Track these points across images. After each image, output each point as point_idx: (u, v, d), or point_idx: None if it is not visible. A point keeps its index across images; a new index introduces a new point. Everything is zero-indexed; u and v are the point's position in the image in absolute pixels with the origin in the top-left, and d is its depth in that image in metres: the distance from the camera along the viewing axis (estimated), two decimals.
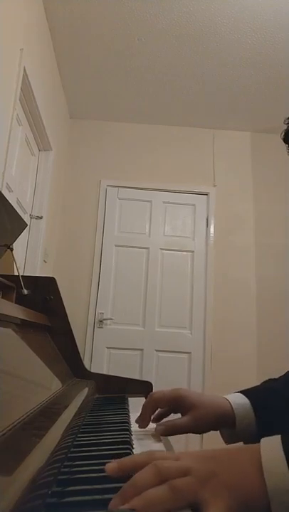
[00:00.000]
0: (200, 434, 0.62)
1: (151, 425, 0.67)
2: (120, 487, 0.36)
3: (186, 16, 2.45)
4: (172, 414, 0.67)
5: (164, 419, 0.67)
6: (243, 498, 0.34)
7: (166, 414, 0.68)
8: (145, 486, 0.35)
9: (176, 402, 0.64)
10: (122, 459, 0.39)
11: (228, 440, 0.66)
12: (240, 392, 0.66)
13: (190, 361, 3.25)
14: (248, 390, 0.67)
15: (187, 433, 0.62)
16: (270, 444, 0.37)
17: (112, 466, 0.38)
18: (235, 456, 0.38)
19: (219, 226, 3.51)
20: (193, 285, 3.40)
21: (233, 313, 3.35)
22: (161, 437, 0.62)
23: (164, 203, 3.55)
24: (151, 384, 1.08)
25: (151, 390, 1.07)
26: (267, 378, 0.75)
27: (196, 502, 0.34)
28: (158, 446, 0.58)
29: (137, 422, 0.67)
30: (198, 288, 3.39)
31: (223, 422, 0.62)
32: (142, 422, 0.66)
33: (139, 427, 0.65)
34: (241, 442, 0.65)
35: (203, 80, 3.04)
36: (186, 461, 0.38)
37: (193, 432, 0.62)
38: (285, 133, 0.82)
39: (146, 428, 0.67)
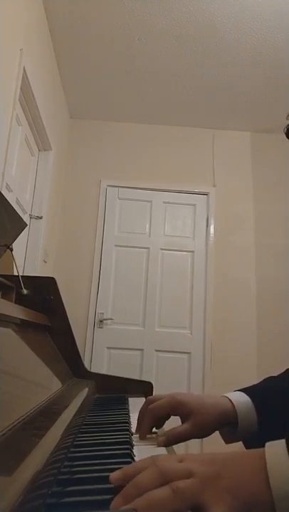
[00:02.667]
0: (202, 438, 0.61)
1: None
2: (120, 487, 0.36)
3: (186, 15, 2.45)
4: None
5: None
6: (246, 502, 0.34)
7: (166, 418, 0.65)
8: (147, 487, 0.35)
9: (175, 410, 0.62)
10: (126, 467, 0.39)
11: (227, 439, 0.65)
12: (241, 390, 0.65)
13: (190, 361, 3.24)
14: (248, 388, 0.66)
15: (189, 439, 0.60)
16: (275, 449, 0.37)
17: (116, 475, 0.38)
18: (240, 460, 0.37)
19: (219, 226, 3.51)
20: (193, 285, 3.40)
21: (233, 314, 3.35)
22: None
23: (164, 203, 3.55)
24: (151, 384, 1.08)
25: (152, 390, 1.07)
26: None
27: (198, 504, 0.34)
28: (159, 449, 0.58)
29: (136, 432, 0.65)
30: (198, 288, 3.39)
31: (224, 421, 0.61)
32: (141, 434, 0.63)
33: (140, 438, 0.63)
34: (240, 441, 0.65)
35: (203, 80, 3.04)
36: (189, 463, 0.37)
37: (196, 438, 0.61)
38: (288, 128, 0.82)
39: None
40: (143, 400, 0.69)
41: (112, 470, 0.42)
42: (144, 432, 0.63)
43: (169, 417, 0.65)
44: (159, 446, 0.58)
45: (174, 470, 0.36)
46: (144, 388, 1.06)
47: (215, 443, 0.62)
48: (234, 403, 0.61)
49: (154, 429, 0.65)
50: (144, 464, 0.38)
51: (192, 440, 0.62)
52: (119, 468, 0.43)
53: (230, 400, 0.62)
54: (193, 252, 3.47)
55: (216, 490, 0.34)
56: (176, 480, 0.35)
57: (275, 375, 0.76)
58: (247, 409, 0.61)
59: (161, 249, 3.46)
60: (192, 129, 3.68)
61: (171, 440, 0.59)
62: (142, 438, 0.63)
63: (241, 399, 0.62)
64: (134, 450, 0.53)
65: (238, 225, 3.53)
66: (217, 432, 0.65)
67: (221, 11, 2.40)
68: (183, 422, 0.61)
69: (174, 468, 0.37)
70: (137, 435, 0.63)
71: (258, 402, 0.62)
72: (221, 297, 3.37)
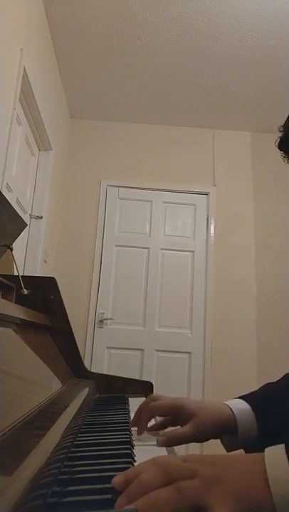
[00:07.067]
0: (202, 442, 0.61)
1: (151, 424, 0.66)
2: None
3: (186, 15, 2.45)
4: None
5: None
6: (247, 506, 0.34)
7: (165, 426, 0.66)
8: (151, 486, 0.35)
9: (175, 412, 0.63)
10: (128, 470, 0.39)
11: (228, 447, 0.65)
12: (241, 397, 0.65)
13: (190, 361, 3.24)
14: (248, 395, 0.66)
15: (189, 442, 0.60)
16: (275, 453, 0.37)
17: (118, 479, 0.38)
18: (240, 463, 0.38)
19: (219, 226, 3.51)
20: (193, 285, 3.40)
21: (233, 313, 3.35)
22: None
23: (164, 202, 3.55)
24: (151, 384, 1.08)
25: (152, 390, 1.07)
26: (267, 378, 0.75)
27: (200, 506, 0.34)
28: (159, 449, 0.58)
29: (132, 425, 0.66)
30: (199, 288, 3.39)
31: (224, 428, 0.61)
32: (139, 429, 0.64)
33: (138, 434, 0.64)
34: (242, 449, 0.64)
35: (203, 79, 3.04)
36: (193, 463, 0.38)
37: (196, 441, 0.61)
38: (280, 140, 0.84)
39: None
40: (143, 400, 0.69)
41: (113, 470, 0.42)
42: (142, 426, 0.64)
43: (167, 427, 0.66)
44: (159, 446, 0.59)
45: (178, 469, 0.37)
46: (144, 388, 1.06)
47: (215, 447, 0.62)
48: (234, 410, 0.62)
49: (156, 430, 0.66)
50: (146, 465, 0.39)
51: (193, 444, 0.62)
52: (119, 468, 0.43)
53: (229, 407, 0.63)
54: (193, 251, 3.47)
55: (219, 493, 0.35)
56: (180, 480, 0.35)
57: (275, 375, 0.76)
58: (246, 416, 0.61)
59: (162, 249, 3.46)
60: (192, 129, 3.68)
61: (171, 441, 0.59)
62: (140, 434, 0.64)
63: (241, 406, 0.63)
64: (134, 451, 0.53)
65: (238, 224, 3.53)
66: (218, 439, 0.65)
67: (221, 11, 2.40)
68: (183, 425, 0.61)
69: (177, 467, 0.37)
70: (136, 434, 0.64)
71: (257, 410, 0.62)
72: (221, 297, 3.37)
